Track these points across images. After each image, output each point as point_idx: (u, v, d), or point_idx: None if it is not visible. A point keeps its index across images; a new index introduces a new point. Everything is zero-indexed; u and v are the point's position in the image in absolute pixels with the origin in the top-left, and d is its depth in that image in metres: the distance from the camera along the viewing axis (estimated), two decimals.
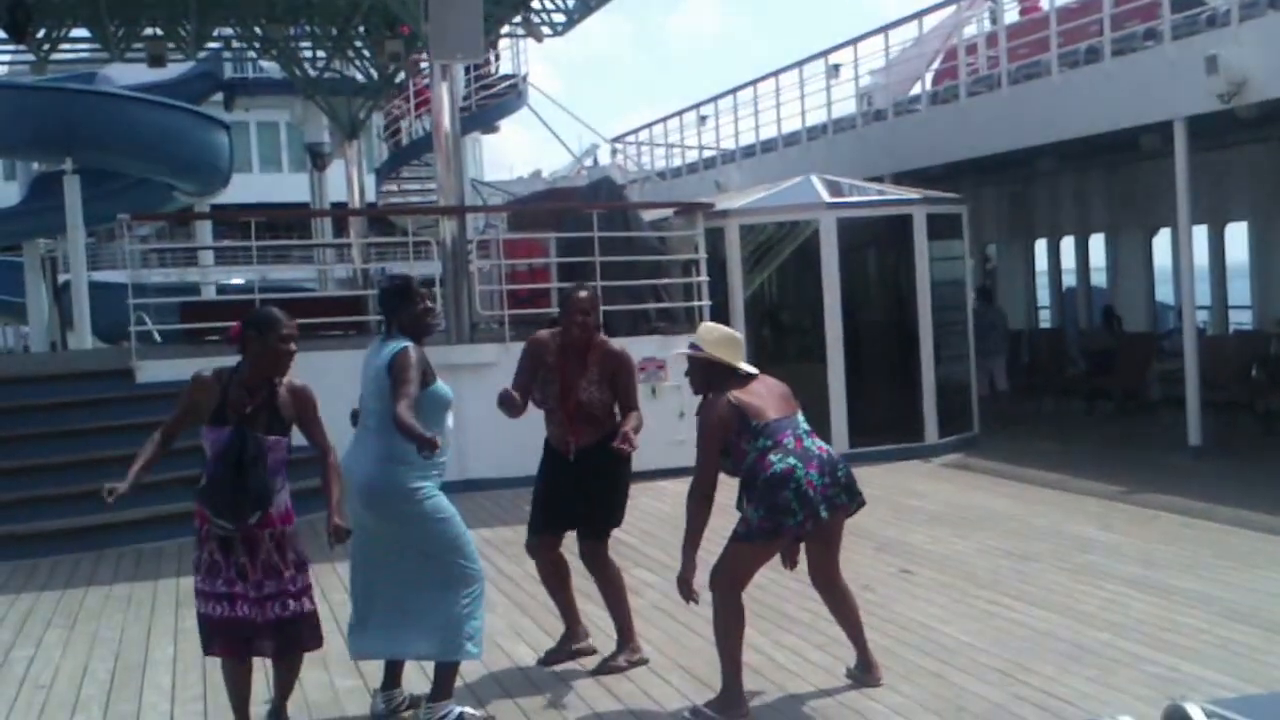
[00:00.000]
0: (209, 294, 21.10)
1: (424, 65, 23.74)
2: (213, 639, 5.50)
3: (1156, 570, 8.28)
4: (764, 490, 5.66)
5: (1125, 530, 9.66)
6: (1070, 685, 6.07)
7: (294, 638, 5.53)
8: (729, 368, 5.90)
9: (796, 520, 5.67)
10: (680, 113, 24.36)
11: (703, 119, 23.31)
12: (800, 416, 5.97)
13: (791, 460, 5.68)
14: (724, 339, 5.98)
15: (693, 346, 5.97)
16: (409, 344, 5.72)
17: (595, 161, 35.35)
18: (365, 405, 5.85)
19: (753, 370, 5.99)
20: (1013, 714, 5.75)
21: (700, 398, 5.99)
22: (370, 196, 25.07)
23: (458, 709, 5.77)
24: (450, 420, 5.89)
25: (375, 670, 6.30)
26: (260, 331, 5.39)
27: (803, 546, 6.10)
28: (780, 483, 5.64)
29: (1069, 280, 20.76)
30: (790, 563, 6.16)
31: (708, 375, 5.94)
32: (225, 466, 5.27)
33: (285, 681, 5.72)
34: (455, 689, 5.94)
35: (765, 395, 5.86)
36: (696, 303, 13.38)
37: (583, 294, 6.57)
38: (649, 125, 26.21)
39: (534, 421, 6.73)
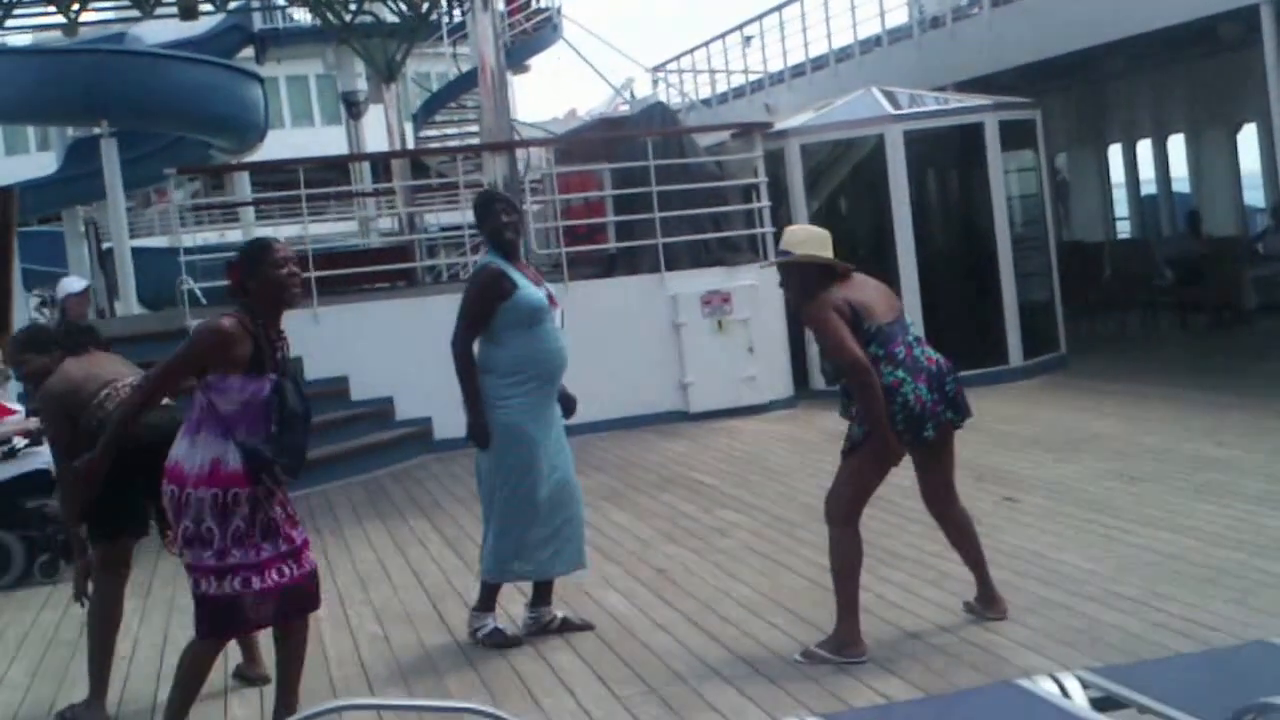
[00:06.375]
0: None
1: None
2: (270, 611, 4.85)
3: None
4: None
5: (1242, 445, 9.05)
6: (1213, 610, 5.64)
7: (310, 598, 5.01)
8: (827, 266, 5.49)
9: (902, 436, 5.40)
10: (723, 35, 23.48)
11: (748, 40, 22.42)
12: (908, 320, 5.69)
13: (900, 373, 5.40)
14: (813, 238, 5.58)
15: (781, 253, 5.57)
16: (488, 262, 6.00)
17: (633, 94, 34.41)
18: None
19: (849, 265, 5.59)
20: (1155, 643, 5.31)
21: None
22: (410, 143, 24.56)
23: (493, 623, 6.03)
24: (556, 320, 6.00)
25: (401, 626, 6.46)
26: (257, 261, 4.85)
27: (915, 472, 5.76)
28: (887, 397, 5.35)
29: (1146, 187, 19.75)
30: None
31: (806, 279, 5.50)
32: (295, 416, 4.80)
33: (301, 656, 5.10)
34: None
35: (874, 294, 5.53)
36: (758, 229, 12.85)
37: None
38: (690, 51, 25.33)
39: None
